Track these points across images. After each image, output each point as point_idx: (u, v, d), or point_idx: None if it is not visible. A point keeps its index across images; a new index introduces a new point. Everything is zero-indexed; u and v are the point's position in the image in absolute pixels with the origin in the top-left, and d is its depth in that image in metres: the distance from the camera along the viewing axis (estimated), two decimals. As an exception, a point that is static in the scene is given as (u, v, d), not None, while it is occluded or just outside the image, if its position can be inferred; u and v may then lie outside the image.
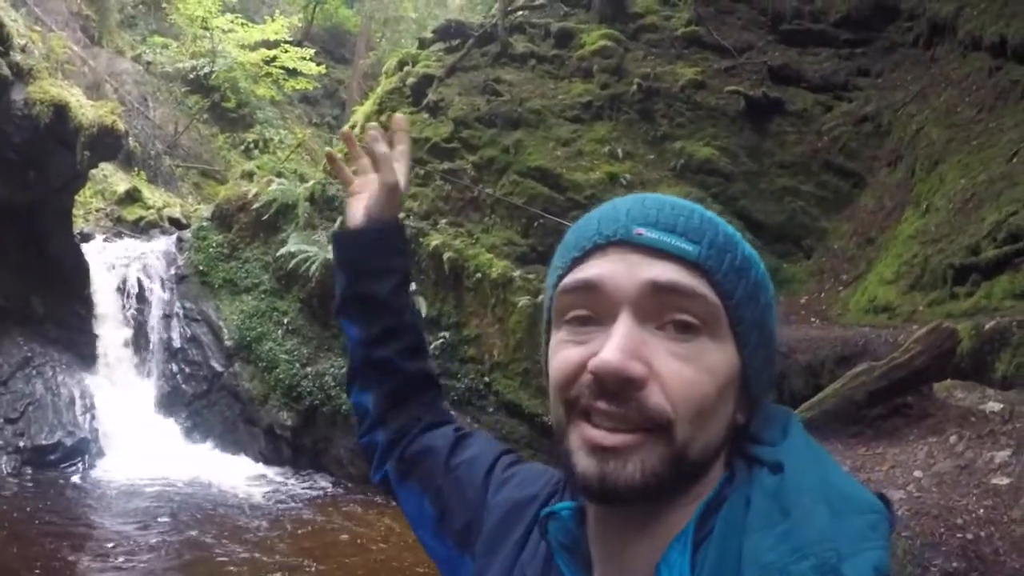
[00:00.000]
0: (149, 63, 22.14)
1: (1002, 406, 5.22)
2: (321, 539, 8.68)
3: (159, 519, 8.79)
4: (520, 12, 15.22)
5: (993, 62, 10.53)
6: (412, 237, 11.13)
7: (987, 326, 6.49)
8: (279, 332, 11.73)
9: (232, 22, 21.72)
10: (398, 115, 1.50)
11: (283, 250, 11.74)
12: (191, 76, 22.10)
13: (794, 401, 6.16)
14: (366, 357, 1.42)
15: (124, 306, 12.25)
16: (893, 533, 0.86)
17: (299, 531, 8.85)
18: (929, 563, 3.95)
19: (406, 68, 14.11)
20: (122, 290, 12.33)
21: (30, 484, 9.55)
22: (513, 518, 1.14)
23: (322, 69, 23.39)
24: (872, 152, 11.76)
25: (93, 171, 13.45)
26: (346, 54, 28.10)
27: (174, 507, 9.27)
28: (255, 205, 12.62)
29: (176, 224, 15.50)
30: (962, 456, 4.76)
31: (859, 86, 12.62)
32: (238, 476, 10.65)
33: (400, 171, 1.41)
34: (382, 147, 1.40)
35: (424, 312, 10.58)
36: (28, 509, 8.73)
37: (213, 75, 21.90)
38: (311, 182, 12.91)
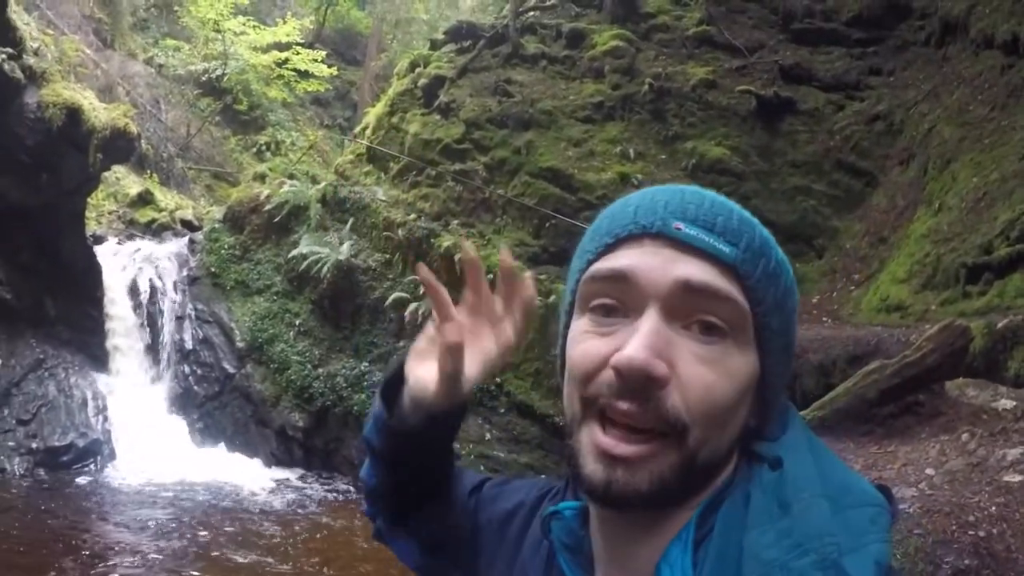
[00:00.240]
0: (161, 66, 22.22)
1: (1014, 404, 5.21)
2: (334, 544, 8.67)
3: (170, 522, 8.80)
4: (531, 13, 15.22)
5: (1005, 60, 10.48)
6: (424, 238, 11.15)
7: (999, 324, 6.47)
8: (291, 334, 11.75)
9: (244, 24, 21.75)
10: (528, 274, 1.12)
11: (295, 252, 11.77)
12: (203, 79, 22.16)
13: (806, 400, 6.14)
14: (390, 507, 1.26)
15: (136, 308, 12.29)
16: (895, 525, 0.85)
17: (316, 535, 8.85)
18: (941, 560, 3.94)
19: (418, 70, 14.17)
20: (134, 292, 12.37)
21: (42, 485, 9.59)
22: (506, 526, 1.14)
23: (334, 71, 23.41)
24: (884, 151, 11.72)
25: (106, 174, 13.51)
26: (358, 56, 28.12)
27: (186, 510, 9.28)
28: (267, 207, 12.66)
29: (188, 226, 15.54)
30: (974, 454, 4.74)
31: (871, 85, 12.58)
32: (250, 477, 10.67)
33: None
34: (530, 290, 1.10)
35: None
36: (41, 510, 8.76)
37: (225, 77, 21.97)
38: (323, 184, 12.95)
